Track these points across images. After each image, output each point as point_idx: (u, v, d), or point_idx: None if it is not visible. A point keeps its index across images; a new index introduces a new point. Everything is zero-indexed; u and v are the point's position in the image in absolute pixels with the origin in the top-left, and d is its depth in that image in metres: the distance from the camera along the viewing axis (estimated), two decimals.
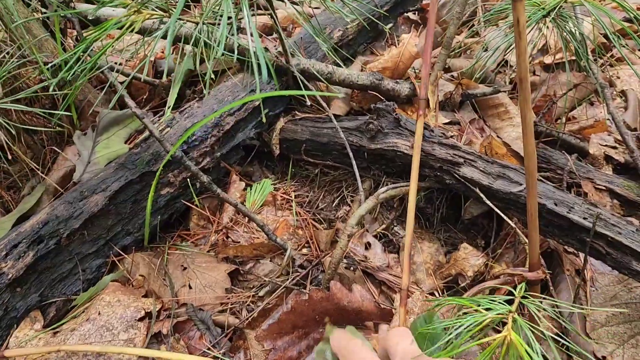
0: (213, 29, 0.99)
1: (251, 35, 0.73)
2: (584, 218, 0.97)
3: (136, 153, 1.16)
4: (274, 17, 1.06)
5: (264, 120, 1.23)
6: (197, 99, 1.25)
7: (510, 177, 1.03)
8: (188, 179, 1.17)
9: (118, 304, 1.06)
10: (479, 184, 1.05)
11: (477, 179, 1.05)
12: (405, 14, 1.85)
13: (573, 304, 1.00)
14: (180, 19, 1.03)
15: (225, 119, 1.22)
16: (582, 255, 1.09)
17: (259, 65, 0.71)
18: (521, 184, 1.02)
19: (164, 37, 1.21)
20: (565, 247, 1.11)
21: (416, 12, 1.92)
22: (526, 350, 0.77)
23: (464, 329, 0.86)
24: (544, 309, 0.86)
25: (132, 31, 0.97)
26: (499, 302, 0.89)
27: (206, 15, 0.96)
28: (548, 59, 1.54)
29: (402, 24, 1.87)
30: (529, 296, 0.88)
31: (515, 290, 0.83)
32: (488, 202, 1.05)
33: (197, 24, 0.97)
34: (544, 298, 0.91)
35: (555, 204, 1.00)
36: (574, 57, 1.32)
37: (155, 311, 1.07)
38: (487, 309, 0.87)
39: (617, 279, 1.08)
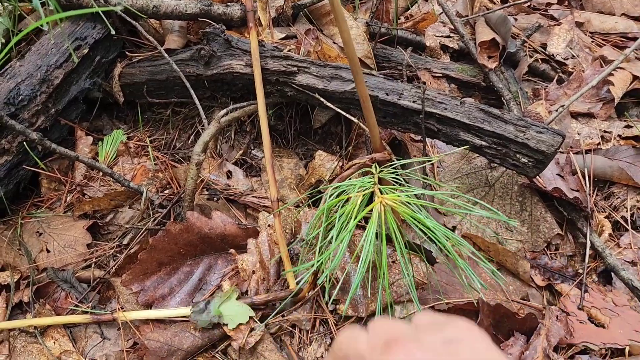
0: None
1: None
2: (413, 101, 1.02)
3: None
4: None
5: (97, 67, 1.17)
6: (18, 57, 1.16)
7: (342, 77, 1.05)
8: (25, 143, 1.10)
9: None
10: (316, 88, 1.06)
11: (313, 84, 1.06)
12: None
13: (424, 181, 1.06)
14: None
15: (54, 72, 1.14)
16: (431, 140, 1.15)
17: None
18: (353, 81, 1.04)
19: None
20: (411, 135, 1.17)
21: None
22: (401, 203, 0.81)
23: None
24: (399, 180, 0.90)
25: None
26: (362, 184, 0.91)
27: None
28: None
29: None
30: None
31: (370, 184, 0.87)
32: (329, 104, 1.07)
33: None
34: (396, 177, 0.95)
35: (387, 94, 1.03)
36: None
37: (13, 282, 1.02)
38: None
39: (460, 156, 1.16)
